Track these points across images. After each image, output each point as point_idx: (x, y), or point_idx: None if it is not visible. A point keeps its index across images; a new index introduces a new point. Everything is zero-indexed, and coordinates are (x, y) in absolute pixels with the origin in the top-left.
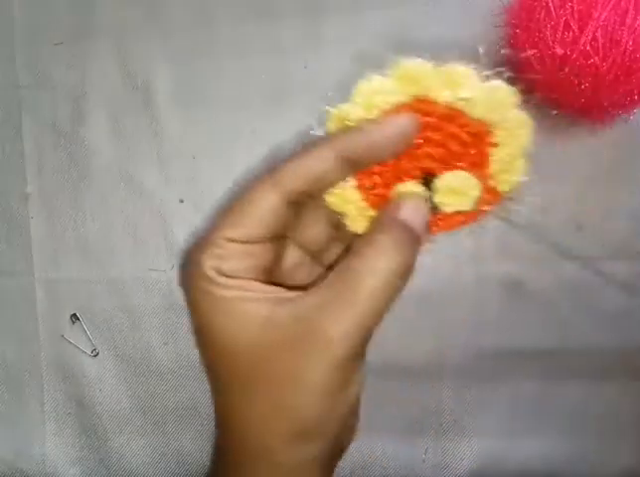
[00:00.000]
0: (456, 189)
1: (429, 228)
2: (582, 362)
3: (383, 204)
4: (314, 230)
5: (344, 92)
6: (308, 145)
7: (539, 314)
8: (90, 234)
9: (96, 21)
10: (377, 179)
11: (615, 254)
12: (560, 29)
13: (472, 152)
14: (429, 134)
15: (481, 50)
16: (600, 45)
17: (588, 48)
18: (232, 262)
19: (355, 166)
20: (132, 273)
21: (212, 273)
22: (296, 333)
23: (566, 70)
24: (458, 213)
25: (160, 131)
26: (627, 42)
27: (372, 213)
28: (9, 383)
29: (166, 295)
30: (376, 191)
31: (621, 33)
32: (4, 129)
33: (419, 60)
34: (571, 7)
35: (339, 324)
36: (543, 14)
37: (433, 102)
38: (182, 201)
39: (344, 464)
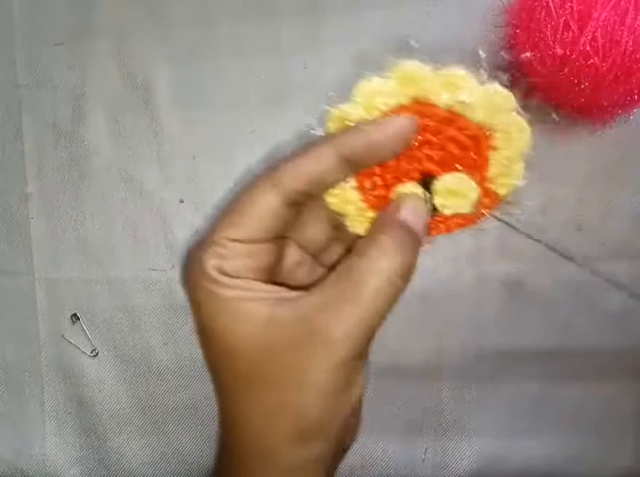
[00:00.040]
0: (455, 191)
1: (429, 229)
2: (582, 362)
3: (382, 204)
4: (314, 230)
5: (344, 92)
6: (308, 145)
7: (539, 314)
8: (90, 234)
9: (96, 21)
10: (377, 180)
11: (615, 254)
12: (560, 29)
13: (471, 155)
14: (429, 136)
15: (482, 53)
16: (600, 45)
17: (588, 48)
18: (233, 262)
19: (355, 166)
20: (132, 273)
21: (213, 273)
22: (299, 333)
23: (566, 70)
24: (457, 215)
25: (160, 131)
26: (627, 42)
27: (371, 213)
28: (9, 383)
29: (166, 295)
30: (376, 192)
31: (621, 33)
32: (4, 129)
33: (419, 62)
34: (571, 7)
35: (342, 324)
36: (543, 14)
37: (433, 105)
38: (182, 201)
39: (343, 464)
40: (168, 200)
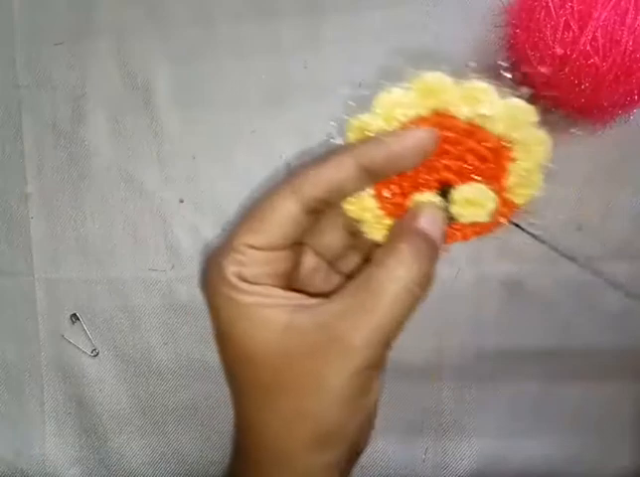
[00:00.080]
0: (473, 200)
1: (445, 237)
2: (582, 362)
3: (400, 213)
4: (331, 236)
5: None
6: (328, 154)
7: (539, 314)
8: (90, 234)
9: (96, 21)
10: (394, 188)
11: (615, 254)
12: (560, 29)
13: (490, 166)
14: (448, 147)
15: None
16: (600, 45)
17: (588, 48)
18: (252, 268)
19: (374, 176)
20: (132, 273)
21: (234, 279)
22: (317, 340)
23: (566, 70)
24: (474, 223)
25: (160, 131)
26: (627, 42)
27: (389, 221)
28: (9, 383)
29: (166, 295)
30: (393, 200)
31: (621, 33)
32: (4, 129)
33: (439, 73)
34: (571, 7)
35: (360, 332)
36: (543, 14)
37: (453, 117)
38: (182, 201)
39: None
40: (168, 200)
